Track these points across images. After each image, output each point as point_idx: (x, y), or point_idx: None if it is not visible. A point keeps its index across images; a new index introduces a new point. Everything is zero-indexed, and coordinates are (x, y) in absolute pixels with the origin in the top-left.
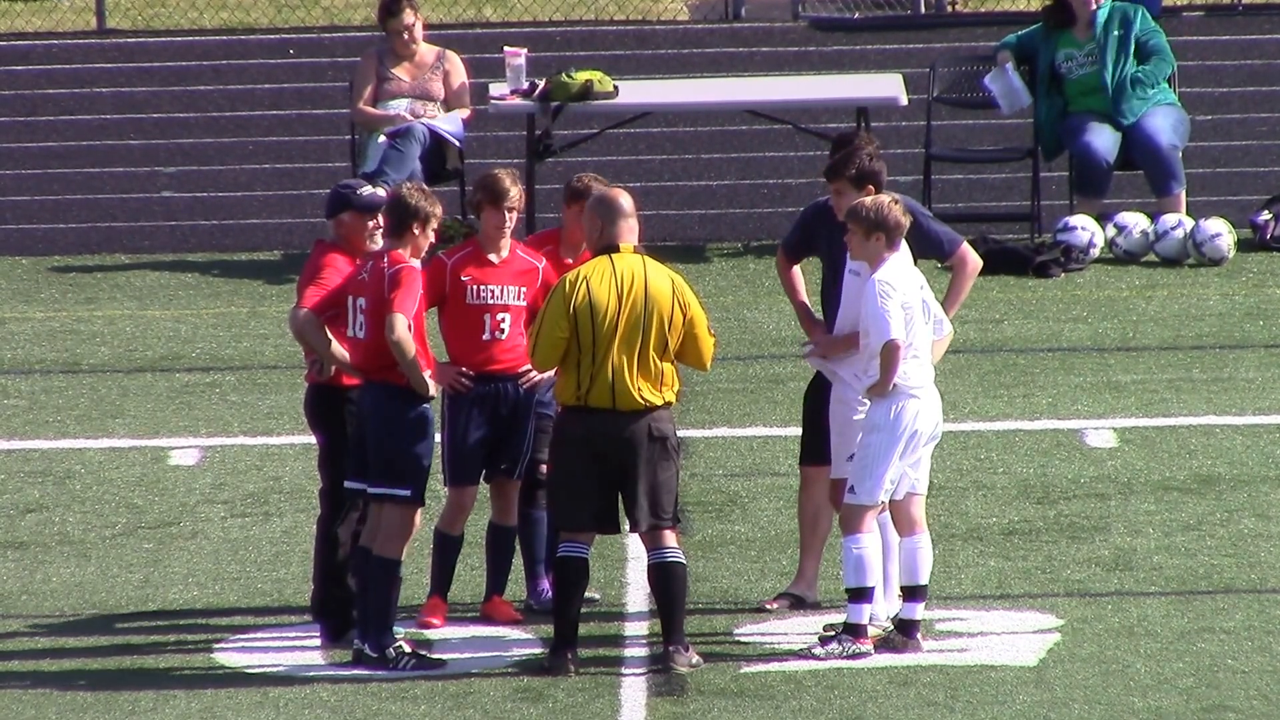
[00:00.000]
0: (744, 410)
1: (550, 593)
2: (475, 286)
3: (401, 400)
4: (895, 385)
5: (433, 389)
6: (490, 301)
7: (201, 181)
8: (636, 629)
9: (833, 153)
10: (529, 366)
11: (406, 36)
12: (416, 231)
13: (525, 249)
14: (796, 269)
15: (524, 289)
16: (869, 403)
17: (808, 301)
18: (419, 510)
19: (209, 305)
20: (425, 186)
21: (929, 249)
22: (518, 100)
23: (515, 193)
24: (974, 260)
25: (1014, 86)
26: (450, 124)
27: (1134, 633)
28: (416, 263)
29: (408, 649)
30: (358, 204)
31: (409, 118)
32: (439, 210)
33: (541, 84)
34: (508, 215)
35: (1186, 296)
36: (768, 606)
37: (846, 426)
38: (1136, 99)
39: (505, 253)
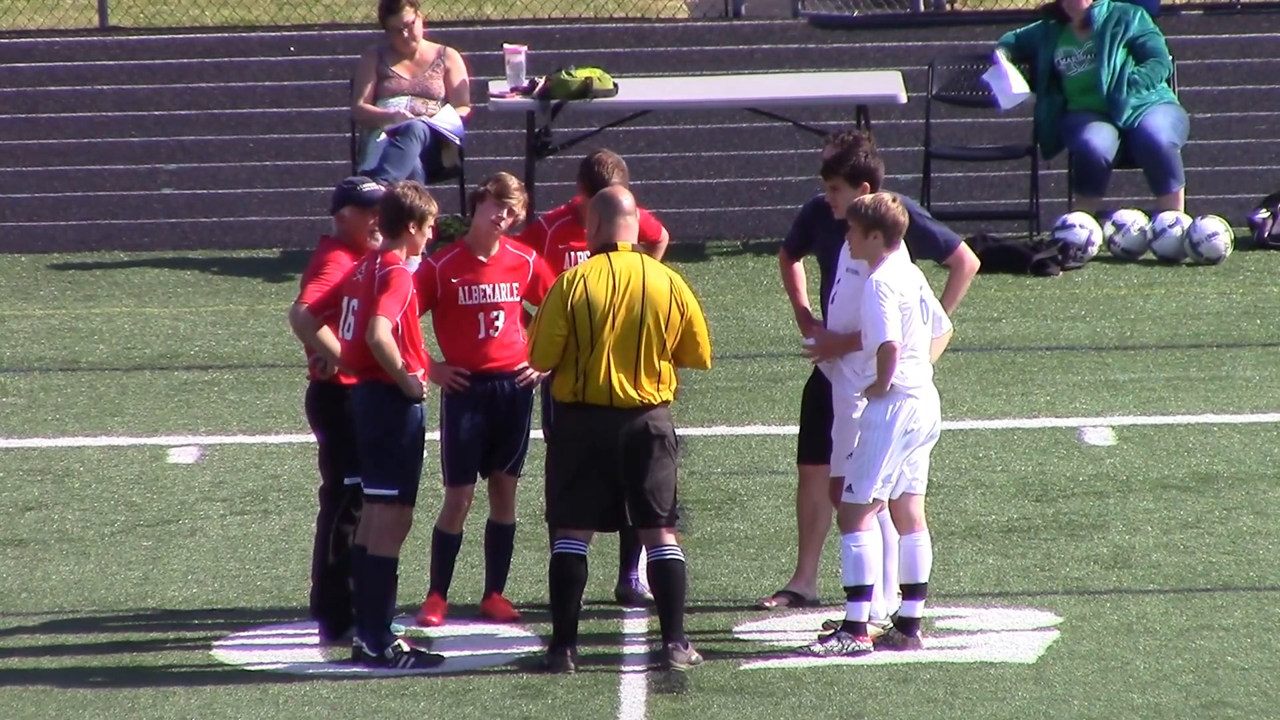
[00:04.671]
0: (742, 408)
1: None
2: (467, 287)
3: (389, 400)
4: (893, 385)
5: (424, 390)
6: (483, 301)
7: (201, 179)
8: (636, 626)
9: (826, 149)
10: (525, 364)
11: (406, 34)
12: (413, 231)
13: (514, 243)
14: (798, 268)
15: (516, 284)
16: (866, 401)
17: (807, 304)
18: (410, 509)
19: (208, 303)
20: (420, 185)
21: (926, 249)
22: (518, 98)
23: (520, 197)
24: (971, 260)
25: (1004, 78)
26: (450, 121)
27: (1133, 630)
28: (413, 263)
29: (406, 647)
30: (359, 199)
31: (409, 115)
32: (434, 208)
33: (541, 81)
34: (505, 213)
35: (1184, 295)
36: (767, 604)
37: (847, 425)
38: (1133, 100)
39: (495, 250)
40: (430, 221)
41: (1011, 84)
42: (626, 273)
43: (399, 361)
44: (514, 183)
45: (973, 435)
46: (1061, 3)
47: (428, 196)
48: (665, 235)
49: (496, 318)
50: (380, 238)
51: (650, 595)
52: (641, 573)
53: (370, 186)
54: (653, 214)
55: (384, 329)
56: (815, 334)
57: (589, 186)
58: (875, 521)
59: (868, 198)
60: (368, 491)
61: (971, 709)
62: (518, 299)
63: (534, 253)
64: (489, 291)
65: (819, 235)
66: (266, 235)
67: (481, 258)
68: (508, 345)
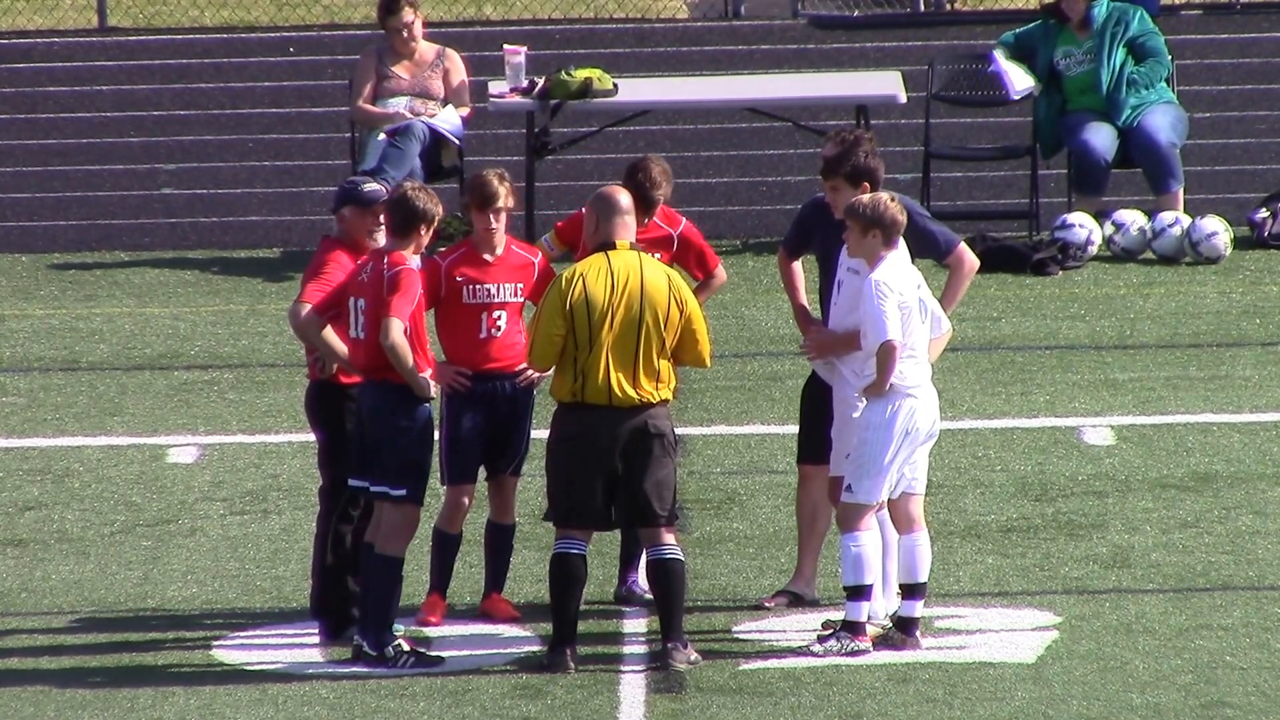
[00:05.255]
0: (742, 408)
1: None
2: (471, 286)
3: (400, 400)
4: (892, 385)
5: (432, 389)
6: (487, 300)
7: (201, 179)
8: (635, 626)
9: (827, 146)
10: (526, 364)
11: (406, 34)
12: (423, 232)
13: (520, 245)
14: (797, 267)
15: (520, 285)
16: (866, 401)
17: (806, 302)
18: (418, 509)
19: (208, 303)
20: (427, 186)
21: (926, 249)
22: (517, 98)
23: (503, 193)
24: (971, 260)
25: (1004, 77)
26: (449, 121)
27: (1132, 630)
28: (416, 262)
29: (406, 647)
30: (360, 199)
31: (409, 115)
32: (441, 211)
33: (541, 82)
34: (493, 218)
35: (1184, 294)
36: (766, 604)
37: (846, 425)
38: (1132, 100)
39: (500, 250)
40: (436, 224)
41: (1014, 82)
42: (625, 271)
43: (412, 363)
44: (491, 184)
45: (972, 435)
46: (1061, 3)
47: (436, 198)
48: (722, 273)
49: (499, 318)
50: (380, 238)
51: (649, 596)
52: (640, 575)
53: (371, 187)
54: (704, 237)
55: (397, 331)
56: (812, 334)
57: (632, 191)
58: (874, 521)
59: (866, 197)
60: (376, 491)
61: (970, 709)
62: (521, 300)
63: (540, 254)
64: (492, 291)
65: (818, 235)
66: (266, 235)
67: (487, 257)
68: (509, 346)
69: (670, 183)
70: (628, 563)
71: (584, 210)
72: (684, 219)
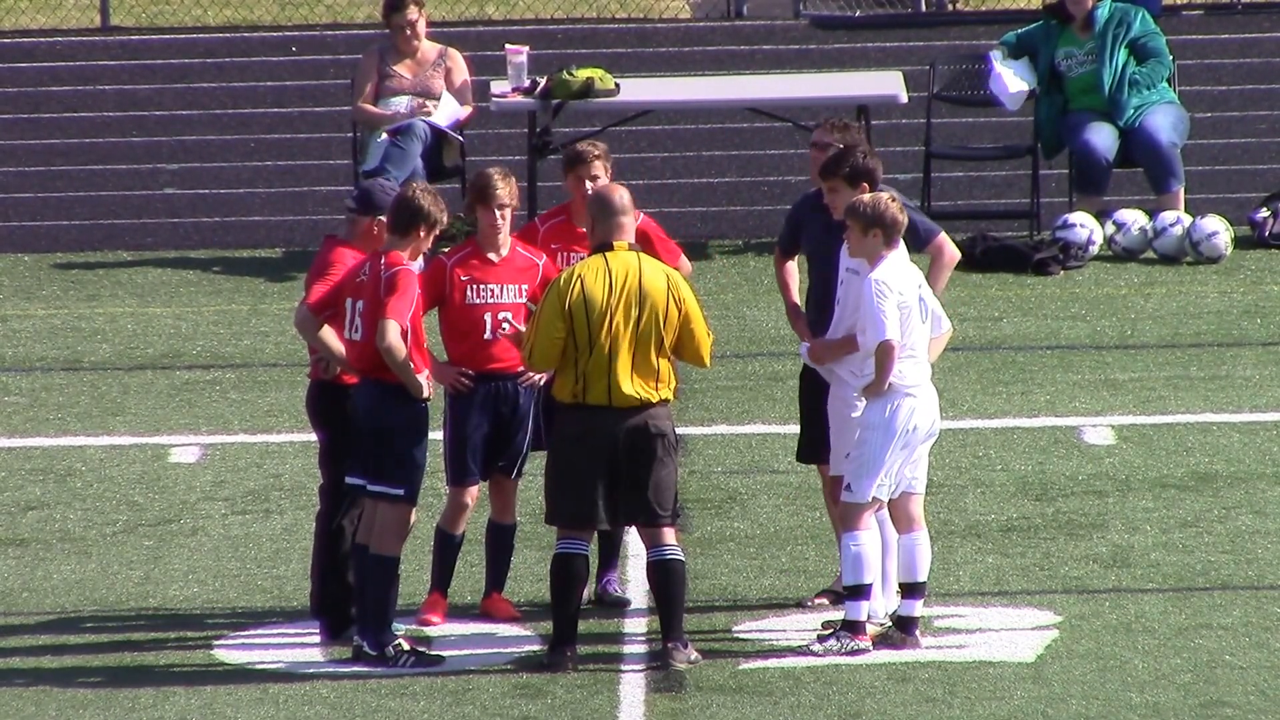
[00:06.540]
0: (743, 407)
1: (615, 585)
2: (475, 286)
3: (395, 400)
4: (891, 384)
5: (427, 389)
6: (491, 301)
7: (203, 178)
8: (635, 626)
9: (817, 132)
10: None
11: (409, 32)
12: (422, 234)
13: (525, 245)
14: (791, 266)
15: (524, 286)
16: (865, 401)
17: (799, 301)
18: (412, 508)
19: (210, 302)
20: (432, 188)
21: (905, 237)
22: (519, 98)
23: (506, 190)
24: (951, 250)
25: (999, 80)
26: (446, 114)
27: (1131, 629)
28: (416, 264)
29: (406, 646)
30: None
31: (409, 115)
32: (445, 218)
33: (543, 82)
34: (499, 213)
35: (1185, 294)
36: (808, 604)
37: (845, 425)
38: (1133, 100)
39: (505, 251)
40: (438, 230)
41: (1007, 85)
42: (623, 272)
43: (408, 364)
44: (496, 181)
45: (973, 434)
46: (1065, 2)
47: (440, 201)
48: (686, 264)
49: (503, 319)
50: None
51: (621, 597)
52: (615, 576)
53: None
54: (661, 226)
55: (394, 333)
56: (810, 342)
57: (569, 170)
58: (874, 520)
59: (867, 197)
60: (372, 490)
61: (970, 708)
62: (525, 301)
63: (544, 255)
64: (496, 292)
65: (806, 229)
66: (269, 235)
67: (492, 257)
68: (512, 347)
69: (605, 159)
70: (604, 564)
71: (537, 219)
72: (642, 214)
